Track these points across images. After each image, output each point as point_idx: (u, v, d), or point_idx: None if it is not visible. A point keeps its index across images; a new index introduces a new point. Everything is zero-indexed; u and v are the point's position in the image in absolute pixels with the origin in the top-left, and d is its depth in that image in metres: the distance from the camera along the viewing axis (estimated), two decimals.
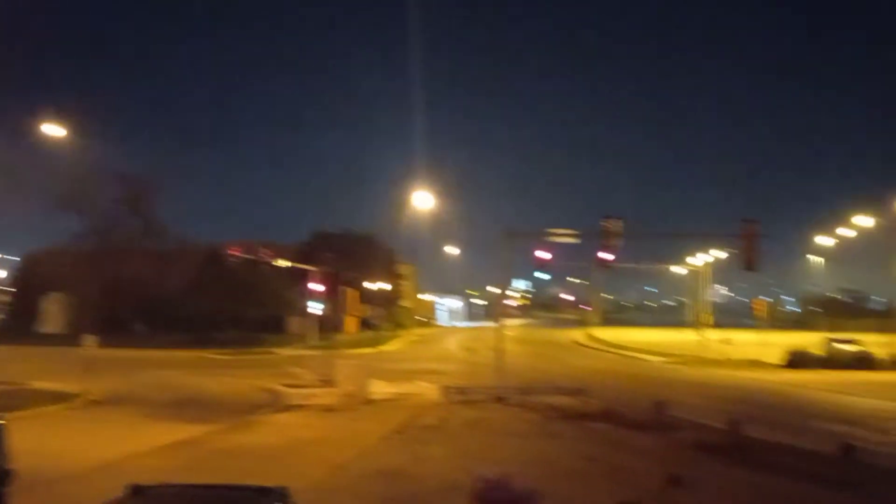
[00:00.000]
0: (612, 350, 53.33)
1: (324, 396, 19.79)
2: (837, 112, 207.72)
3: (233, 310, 46.71)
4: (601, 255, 24.57)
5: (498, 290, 35.95)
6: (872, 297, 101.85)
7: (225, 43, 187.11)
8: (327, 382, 21.27)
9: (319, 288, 34.08)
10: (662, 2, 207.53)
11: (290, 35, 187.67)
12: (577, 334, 69.48)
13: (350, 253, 54.12)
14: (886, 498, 9.74)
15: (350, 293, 28.66)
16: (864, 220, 41.64)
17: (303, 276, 42.60)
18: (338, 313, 30.08)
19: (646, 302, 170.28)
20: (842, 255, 61.56)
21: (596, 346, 58.75)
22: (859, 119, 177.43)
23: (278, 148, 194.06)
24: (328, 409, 18.57)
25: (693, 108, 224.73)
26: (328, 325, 33.70)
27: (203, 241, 51.82)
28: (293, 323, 43.29)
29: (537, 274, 28.31)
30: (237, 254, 41.00)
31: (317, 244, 54.61)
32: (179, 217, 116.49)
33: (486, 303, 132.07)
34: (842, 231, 46.20)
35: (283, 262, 44.50)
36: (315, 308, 32.90)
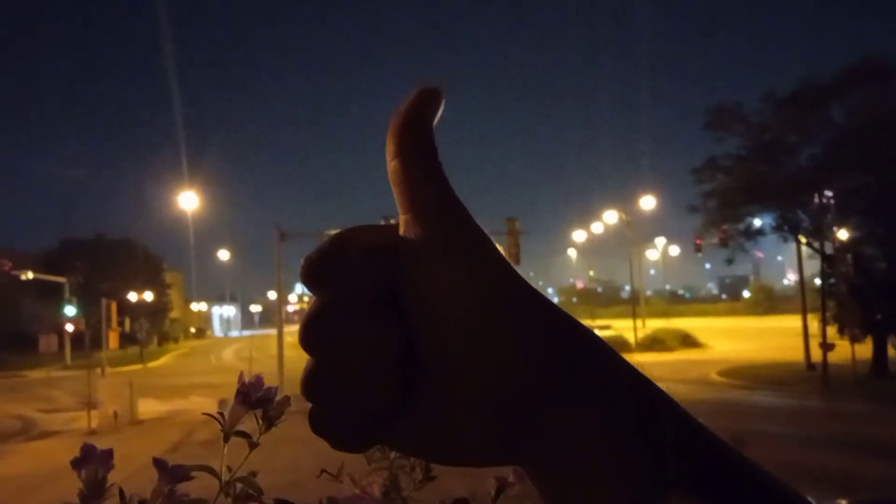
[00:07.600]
0: None
1: (85, 420, 18.14)
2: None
3: None
4: None
5: (275, 296, 35.18)
6: (625, 287, 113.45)
7: None
8: (88, 404, 19.61)
9: (73, 301, 31.11)
10: None
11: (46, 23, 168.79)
12: None
13: (106, 261, 50.00)
14: None
15: (110, 306, 26.51)
16: (611, 216, 47.11)
17: (53, 289, 38.65)
18: (97, 328, 27.68)
19: None
20: (594, 248, 68.65)
21: None
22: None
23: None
24: (91, 433, 16.99)
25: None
26: (87, 342, 30.94)
27: None
28: (45, 341, 39.28)
29: None
30: None
31: (66, 253, 49.70)
32: None
33: (261, 309, 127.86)
34: (594, 227, 51.62)
35: (28, 274, 40.22)
36: (69, 324, 30.03)
